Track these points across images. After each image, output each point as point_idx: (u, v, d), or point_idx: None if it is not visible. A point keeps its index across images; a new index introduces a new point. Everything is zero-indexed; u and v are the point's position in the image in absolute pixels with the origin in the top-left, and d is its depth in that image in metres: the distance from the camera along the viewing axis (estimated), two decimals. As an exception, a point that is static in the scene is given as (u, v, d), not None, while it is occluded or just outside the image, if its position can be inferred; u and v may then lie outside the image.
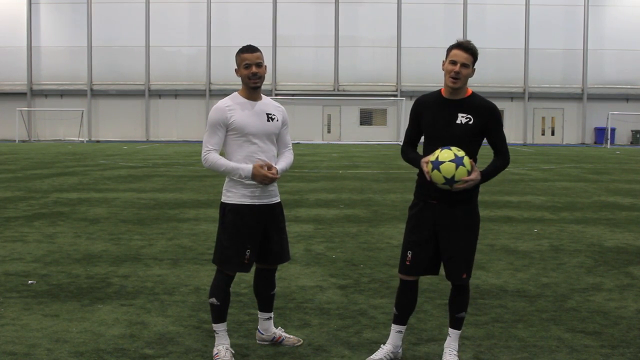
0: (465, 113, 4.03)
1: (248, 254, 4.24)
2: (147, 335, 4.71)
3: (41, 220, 10.02)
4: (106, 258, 7.35)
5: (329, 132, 51.14)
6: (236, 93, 4.34)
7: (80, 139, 49.09)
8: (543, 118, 51.22)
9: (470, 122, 4.03)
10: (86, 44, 50.79)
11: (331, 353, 4.41)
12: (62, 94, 51.53)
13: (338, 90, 50.92)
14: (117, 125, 50.82)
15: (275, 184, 4.37)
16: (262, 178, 4.14)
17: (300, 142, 48.08)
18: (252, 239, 4.25)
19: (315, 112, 50.67)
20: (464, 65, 3.96)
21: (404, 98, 48.80)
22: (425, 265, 4.22)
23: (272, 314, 4.59)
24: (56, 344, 4.51)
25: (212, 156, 4.22)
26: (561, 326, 5.01)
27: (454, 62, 3.97)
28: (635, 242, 8.61)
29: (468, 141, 4.04)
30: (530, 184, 16.58)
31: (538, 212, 11.36)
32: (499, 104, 49.81)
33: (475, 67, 4.04)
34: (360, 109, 50.94)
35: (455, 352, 4.22)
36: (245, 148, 4.22)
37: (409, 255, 4.23)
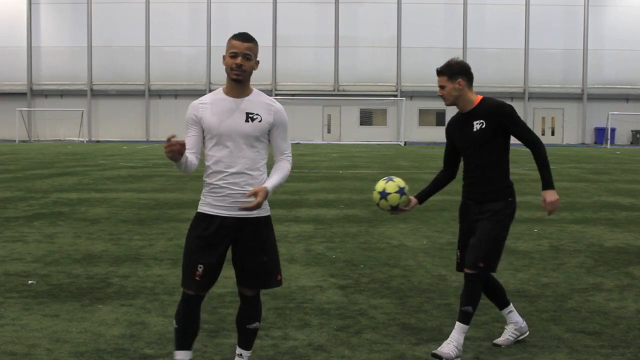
0: (478, 119, 4.34)
1: (200, 269, 3.63)
2: (147, 335, 4.70)
3: (41, 220, 10.02)
4: (106, 258, 7.35)
5: (329, 132, 51.16)
6: (219, 89, 3.74)
7: (80, 139, 49.12)
8: (543, 118, 51.25)
9: (484, 126, 4.31)
10: (86, 44, 50.83)
11: (331, 353, 4.41)
12: (62, 94, 51.56)
13: (338, 90, 50.95)
14: (117, 125, 50.86)
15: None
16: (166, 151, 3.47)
17: (300, 142, 48.10)
18: (207, 254, 3.64)
19: (315, 112, 50.69)
20: (441, 87, 4.37)
21: (404, 98, 48.81)
22: None
23: (249, 354, 3.92)
24: (56, 344, 4.51)
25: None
26: (561, 326, 5.01)
27: (439, 87, 4.41)
28: (635, 242, 8.61)
29: (487, 143, 4.31)
30: (530, 184, 16.57)
31: (538, 212, 11.35)
32: (499, 104, 50.09)
33: (459, 79, 4.31)
34: (360, 109, 50.97)
35: (454, 344, 4.24)
36: (215, 151, 3.65)
37: (458, 254, 4.52)
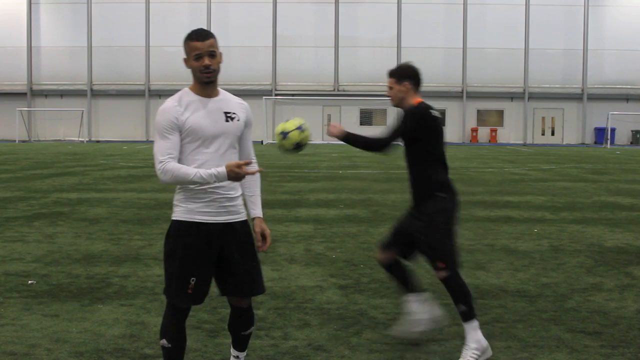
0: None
1: (193, 282, 3.42)
2: (147, 335, 4.70)
3: (41, 220, 10.02)
4: (106, 258, 7.35)
5: (329, 132, 51.11)
6: (187, 89, 3.51)
7: (80, 139, 49.12)
8: (543, 118, 51.24)
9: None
10: (86, 44, 50.81)
11: (331, 353, 4.41)
12: (62, 94, 51.55)
13: (338, 90, 50.94)
14: (117, 125, 50.86)
15: (240, 199, 3.59)
16: (236, 175, 3.36)
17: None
18: (199, 264, 3.44)
19: (315, 112, 50.66)
20: (389, 88, 4.59)
21: (404, 98, 48.75)
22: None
23: (244, 354, 3.84)
24: (56, 344, 4.51)
25: (172, 165, 3.37)
26: (561, 326, 5.01)
27: (388, 88, 4.61)
28: (635, 242, 8.61)
29: (410, 145, 4.55)
30: (530, 184, 16.58)
31: (538, 212, 11.35)
32: (499, 104, 50.12)
33: (405, 81, 4.50)
34: (360, 109, 50.97)
35: (472, 347, 4.28)
36: (197, 156, 3.42)
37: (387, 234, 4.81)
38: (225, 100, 3.54)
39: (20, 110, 49.68)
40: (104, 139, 50.20)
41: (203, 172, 3.33)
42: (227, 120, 3.48)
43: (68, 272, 6.63)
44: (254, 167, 3.59)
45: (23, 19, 51.28)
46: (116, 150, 34.49)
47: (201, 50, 3.39)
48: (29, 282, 6.22)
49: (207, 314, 5.14)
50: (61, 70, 51.27)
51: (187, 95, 3.47)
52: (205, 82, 3.44)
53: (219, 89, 3.55)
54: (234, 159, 3.51)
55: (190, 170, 3.34)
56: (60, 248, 7.89)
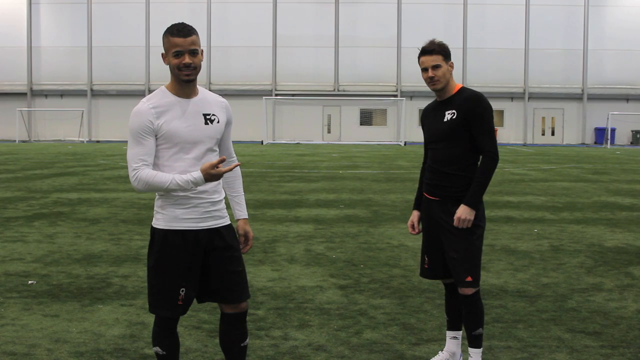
0: (450, 109, 3.96)
1: (183, 292, 3.29)
2: (147, 335, 4.70)
3: (41, 220, 10.02)
4: (106, 258, 7.35)
5: (329, 132, 51.16)
6: (163, 88, 3.30)
7: (80, 139, 49.13)
8: (543, 118, 51.25)
9: (454, 117, 3.93)
10: (86, 44, 50.83)
11: (331, 353, 4.41)
12: (62, 94, 51.56)
13: (338, 90, 50.94)
14: (117, 125, 50.79)
15: (223, 203, 3.43)
16: (213, 176, 3.20)
17: (301, 142, 48.11)
18: (188, 275, 3.30)
19: (315, 112, 50.68)
20: (434, 67, 3.92)
21: (404, 98, 48.80)
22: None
23: None
24: (56, 344, 4.51)
25: (145, 173, 3.19)
26: (561, 326, 5.01)
27: (425, 69, 3.95)
28: (635, 242, 8.61)
29: (456, 137, 3.93)
30: (530, 184, 16.58)
31: (538, 212, 11.35)
32: (499, 104, 50.03)
33: (450, 61, 3.98)
34: (360, 109, 50.97)
35: None
36: (177, 162, 3.24)
37: (426, 259, 4.27)
38: (205, 100, 3.34)
39: (20, 110, 49.70)
40: (104, 139, 50.21)
41: (179, 178, 3.17)
42: (206, 123, 3.29)
43: (68, 272, 6.63)
44: (232, 162, 3.48)
45: (23, 19, 51.29)
46: (116, 150, 34.50)
47: (182, 47, 3.18)
48: (29, 282, 6.22)
49: (207, 314, 5.14)
50: (61, 70, 51.28)
51: (164, 95, 3.28)
52: (185, 80, 3.24)
53: (198, 87, 3.35)
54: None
55: (165, 178, 3.18)
56: (60, 248, 7.89)
